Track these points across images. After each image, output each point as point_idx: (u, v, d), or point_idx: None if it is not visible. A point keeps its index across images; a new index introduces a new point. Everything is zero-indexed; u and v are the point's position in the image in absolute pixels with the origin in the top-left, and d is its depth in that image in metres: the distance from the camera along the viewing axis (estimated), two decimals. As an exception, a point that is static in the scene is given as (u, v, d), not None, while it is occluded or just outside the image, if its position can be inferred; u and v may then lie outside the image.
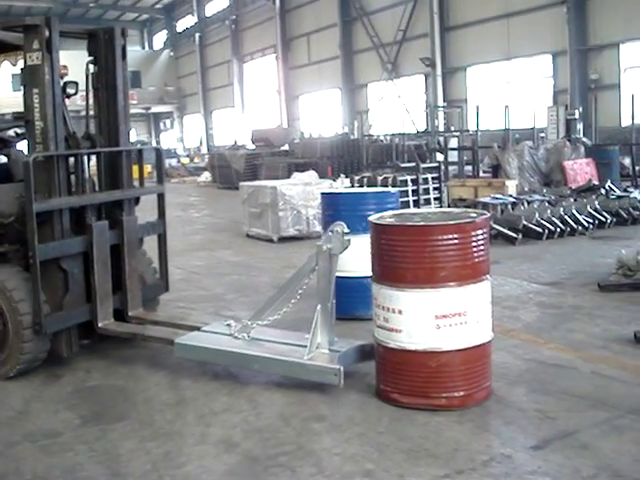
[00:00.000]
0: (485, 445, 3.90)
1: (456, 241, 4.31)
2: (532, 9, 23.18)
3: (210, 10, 45.41)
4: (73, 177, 5.64)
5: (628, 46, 20.61)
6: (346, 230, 4.78)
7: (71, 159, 5.58)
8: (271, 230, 11.75)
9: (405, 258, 4.36)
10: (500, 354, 5.14)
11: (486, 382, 4.50)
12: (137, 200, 6.02)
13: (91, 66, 5.77)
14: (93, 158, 5.77)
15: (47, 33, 5.19)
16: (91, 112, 5.83)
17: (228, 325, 5.34)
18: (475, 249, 4.37)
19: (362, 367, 4.87)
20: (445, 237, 4.31)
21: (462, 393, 4.37)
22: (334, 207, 6.52)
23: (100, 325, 5.54)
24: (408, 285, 4.33)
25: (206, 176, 28.85)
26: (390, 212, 5.09)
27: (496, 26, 24.58)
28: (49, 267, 5.26)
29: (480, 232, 4.40)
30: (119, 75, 5.71)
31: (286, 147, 28.04)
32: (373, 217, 4.72)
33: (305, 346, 4.75)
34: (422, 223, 4.53)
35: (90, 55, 5.77)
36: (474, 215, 4.58)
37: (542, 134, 19.66)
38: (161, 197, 6.21)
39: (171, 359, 5.60)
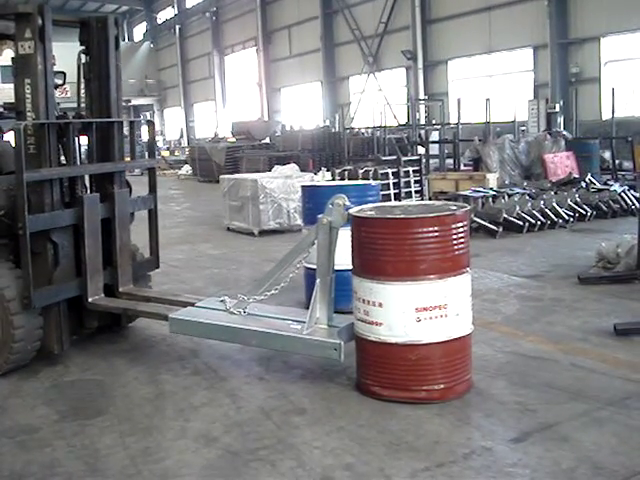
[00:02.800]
0: (465, 438, 3.90)
1: (436, 234, 4.30)
2: (513, 2, 23.21)
3: (190, 2, 45.07)
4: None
5: (609, 39, 20.67)
6: (347, 203, 4.69)
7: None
8: (252, 223, 11.71)
9: (385, 251, 4.35)
10: (480, 347, 5.15)
11: (466, 375, 4.51)
12: (130, 192, 5.93)
13: (82, 56, 5.63)
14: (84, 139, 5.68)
15: (40, 21, 5.06)
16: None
17: (222, 301, 5.21)
18: (455, 242, 4.37)
19: (343, 360, 4.84)
20: (425, 230, 4.30)
21: (442, 386, 4.36)
22: (315, 200, 6.48)
23: (90, 300, 5.42)
24: (388, 278, 4.32)
25: (187, 169, 28.70)
26: (371, 205, 5.08)
27: (477, 19, 24.60)
28: (39, 240, 5.14)
29: (460, 225, 4.40)
30: (112, 65, 5.59)
31: (267, 140, 27.97)
32: (354, 210, 4.69)
33: (303, 322, 4.69)
34: (402, 216, 4.52)
35: (82, 45, 5.62)
36: (454, 208, 4.57)
37: (523, 127, 19.75)
38: (152, 171, 6.12)
39: (150, 354, 5.56)
